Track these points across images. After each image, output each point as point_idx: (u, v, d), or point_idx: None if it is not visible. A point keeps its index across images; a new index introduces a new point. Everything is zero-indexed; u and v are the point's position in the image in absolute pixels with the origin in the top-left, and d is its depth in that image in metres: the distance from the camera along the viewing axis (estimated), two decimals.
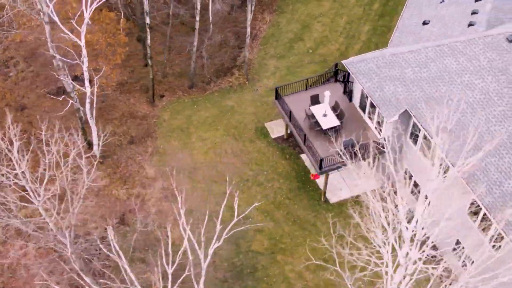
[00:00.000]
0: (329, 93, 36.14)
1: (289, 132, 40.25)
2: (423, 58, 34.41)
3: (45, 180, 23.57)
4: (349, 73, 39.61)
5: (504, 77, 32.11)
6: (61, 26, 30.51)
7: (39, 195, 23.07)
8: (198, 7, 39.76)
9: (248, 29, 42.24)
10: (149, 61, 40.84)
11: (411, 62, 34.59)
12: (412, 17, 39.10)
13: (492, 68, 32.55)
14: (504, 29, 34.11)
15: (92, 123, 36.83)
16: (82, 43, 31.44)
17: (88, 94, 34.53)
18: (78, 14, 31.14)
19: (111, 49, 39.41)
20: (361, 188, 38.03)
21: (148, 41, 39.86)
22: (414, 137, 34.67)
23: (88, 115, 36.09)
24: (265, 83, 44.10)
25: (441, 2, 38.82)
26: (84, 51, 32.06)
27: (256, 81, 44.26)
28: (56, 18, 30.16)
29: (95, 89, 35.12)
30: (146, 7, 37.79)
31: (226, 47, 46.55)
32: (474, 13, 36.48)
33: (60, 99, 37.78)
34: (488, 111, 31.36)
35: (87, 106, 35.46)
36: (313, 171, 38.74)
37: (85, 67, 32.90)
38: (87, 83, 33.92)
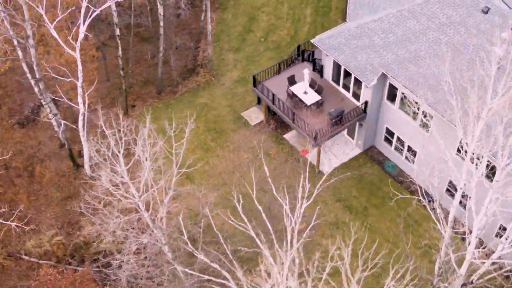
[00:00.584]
0: (308, 71, 38.77)
1: (268, 116, 42.52)
2: (386, 25, 37.69)
3: (145, 176, 24.51)
4: (313, 51, 42.51)
5: (463, 28, 35.93)
6: (62, 43, 31.15)
7: (138, 191, 24.01)
8: (161, 12, 41.12)
9: (209, 27, 44.16)
10: (121, 72, 41.83)
11: (376, 30, 37.78)
12: None
13: (452, 22, 36.32)
14: None
15: (84, 141, 37.41)
16: (78, 58, 32.19)
17: (82, 111, 35.19)
18: (74, 30, 31.84)
19: (83, 66, 40.03)
20: (348, 155, 41.11)
21: (119, 52, 40.86)
22: (392, 97, 37.88)
23: (81, 133, 36.68)
24: (230, 76, 46.07)
25: None
26: (80, 66, 32.79)
27: (220, 76, 46.12)
28: (56, 35, 30.75)
29: (86, 106, 35.82)
30: (116, 19, 38.78)
31: (183, 49, 48.06)
32: None
33: (52, 119, 38.01)
34: (457, 60, 35.02)
35: (80, 123, 36.05)
36: (299, 148, 41.23)
37: (79, 83, 33.59)
38: (80, 99, 34.57)
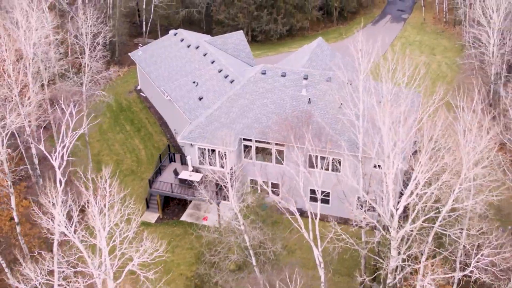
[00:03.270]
0: (189, 157, 52.36)
1: (162, 209, 54.13)
2: (225, 109, 53.74)
3: None
4: (174, 154, 56.26)
5: (277, 90, 53.73)
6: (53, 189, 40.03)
7: None
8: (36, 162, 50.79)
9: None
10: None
11: (220, 115, 53.52)
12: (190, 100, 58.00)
13: (268, 90, 53.90)
14: (260, 68, 55.62)
15: None
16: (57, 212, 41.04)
17: None
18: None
19: None
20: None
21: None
22: (247, 154, 53.35)
23: None
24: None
25: (194, 82, 58.71)
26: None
27: None
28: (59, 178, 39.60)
29: None
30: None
31: None
32: (220, 70, 57.72)
33: None
34: (282, 109, 52.51)
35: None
36: (198, 220, 53.52)
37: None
38: None
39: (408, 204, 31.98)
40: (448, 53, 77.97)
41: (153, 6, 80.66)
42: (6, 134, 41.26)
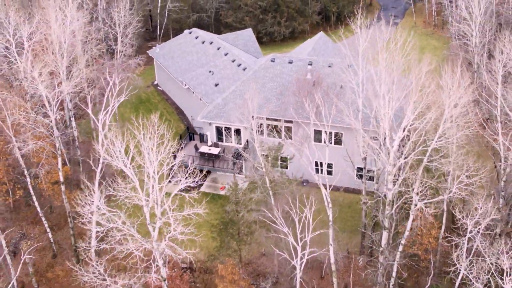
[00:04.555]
0: (209, 133, 59.09)
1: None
2: (238, 92, 60.64)
3: None
4: (193, 133, 62.98)
5: (283, 74, 60.76)
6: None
7: None
8: (76, 134, 57.36)
9: None
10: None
11: (235, 98, 60.42)
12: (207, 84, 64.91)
13: (277, 75, 60.89)
14: (270, 56, 62.70)
15: None
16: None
17: None
18: None
19: None
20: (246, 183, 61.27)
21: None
22: (260, 131, 60.09)
23: None
24: None
25: (210, 71, 65.70)
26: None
27: None
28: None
29: None
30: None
31: None
32: (233, 60, 64.69)
33: None
34: (289, 90, 59.45)
35: None
36: (215, 190, 60.07)
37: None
38: None
39: (402, 140, 38.86)
40: (437, 51, 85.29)
41: (167, 10, 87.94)
42: (56, 103, 48.03)
